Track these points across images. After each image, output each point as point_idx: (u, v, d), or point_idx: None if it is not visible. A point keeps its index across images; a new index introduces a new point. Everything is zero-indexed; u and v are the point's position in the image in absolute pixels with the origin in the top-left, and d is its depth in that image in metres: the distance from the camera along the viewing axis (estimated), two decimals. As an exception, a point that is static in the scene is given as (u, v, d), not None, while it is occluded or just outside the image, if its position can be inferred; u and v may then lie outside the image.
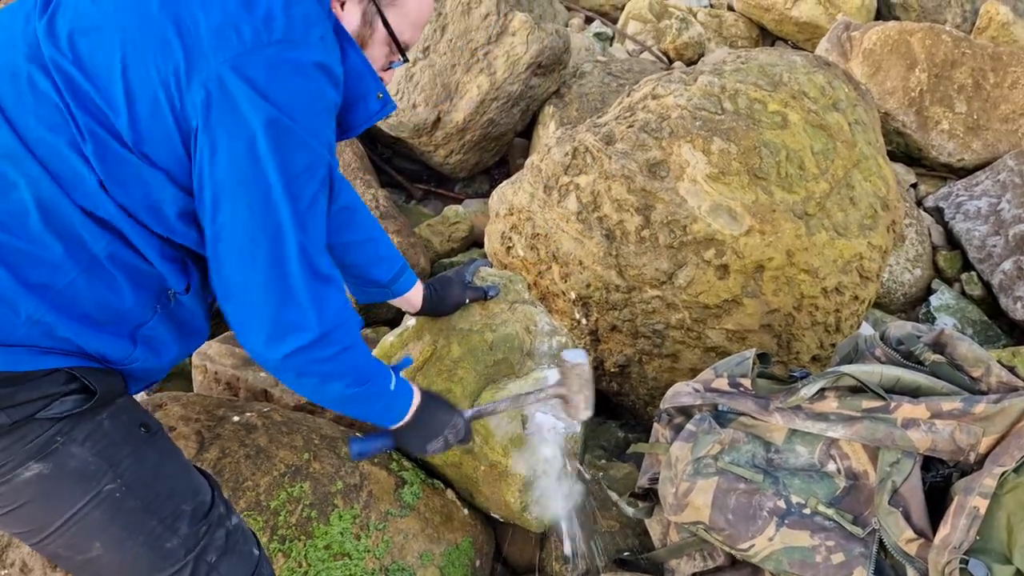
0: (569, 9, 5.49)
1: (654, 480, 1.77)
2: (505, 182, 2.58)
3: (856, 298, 2.32)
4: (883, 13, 5.47)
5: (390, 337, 2.04)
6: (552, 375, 1.84)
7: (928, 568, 1.42)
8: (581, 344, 2.41)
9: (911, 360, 1.67)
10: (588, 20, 5.53)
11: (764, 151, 2.19)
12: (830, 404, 1.58)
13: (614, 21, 5.54)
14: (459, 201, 3.85)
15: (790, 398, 1.61)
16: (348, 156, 3.43)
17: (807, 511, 1.53)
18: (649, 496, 1.85)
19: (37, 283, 1.09)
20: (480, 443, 1.81)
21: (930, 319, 3.32)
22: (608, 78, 3.83)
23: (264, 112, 1.05)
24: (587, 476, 1.89)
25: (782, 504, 1.54)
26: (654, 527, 1.85)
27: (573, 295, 2.33)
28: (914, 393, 1.57)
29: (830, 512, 1.52)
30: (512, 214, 2.46)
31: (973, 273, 3.52)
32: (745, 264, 2.15)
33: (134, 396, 1.33)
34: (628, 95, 2.52)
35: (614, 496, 1.95)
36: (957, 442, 1.49)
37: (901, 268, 3.42)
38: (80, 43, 1.08)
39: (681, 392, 1.76)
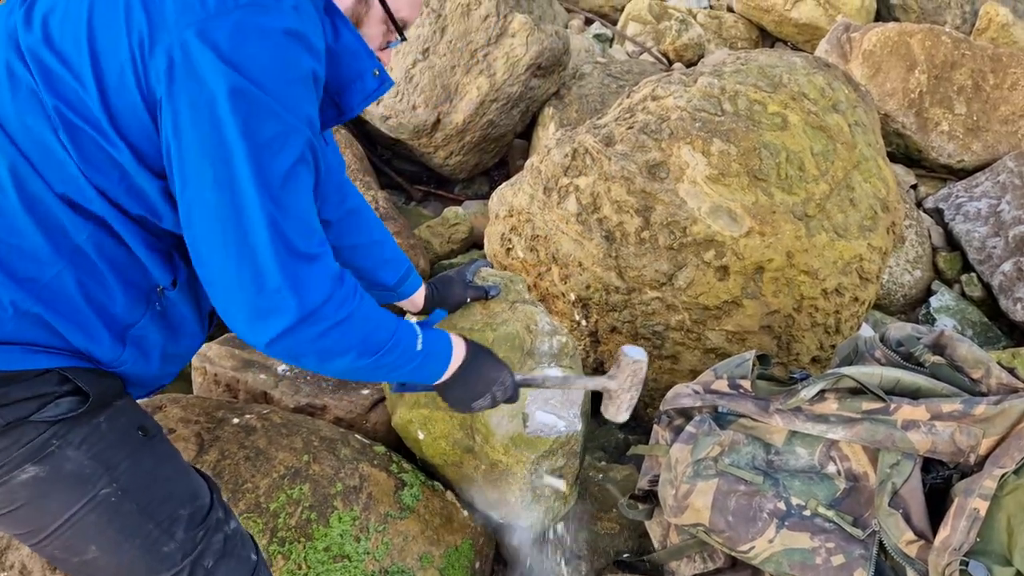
0: (569, 11, 5.49)
1: (654, 482, 1.76)
2: (505, 183, 2.58)
3: (856, 299, 2.32)
4: (883, 14, 5.48)
5: (390, 338, 2.04)
6: (552, 375, 1.84)
7: (928, 570, 1.42)
8: (580, 346, 2.41)
9: (911, 362, 1.67)
10: (588, 21, 5.53)
11: (764, 152, 2.19)
12: (830, 406, 1.58)
13: (614, 22, 5.54)
14: (459, 203, 3.85)
15: (790, 400, 1.60)
16: (348, 157, 3.43)
17: (807, 513, 1.53)
18: (649, 498, 1.85)
19: (24, 276, 1.08)
20: (481, 442, 1.80)
21: (930, 320, 3.32)
22: (608, 79, 3.83)
23: (227, 79, 0.99)
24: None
25: (782, 506, 1.54)
26: (654, 529, 1.84)
27: (573, 296, 2.33)
28: (914, 395, 1.57)
29: (830, 514, 1.52)
30: (512, 215, 2.46)
31: (973, 274, 3.52)
32: (745, 265, 2.15)
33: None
34: (628, 96, 2.52)
35: (615, 492, 1.95)
36: (957, 444, 1.49)
37: (901, 269, 3.42)
38: (51, 24, 1.06)
39: (681, 394, 1.76)
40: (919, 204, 3.97)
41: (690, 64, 5.07)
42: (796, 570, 1.50)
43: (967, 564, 1.38)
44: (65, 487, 1.14)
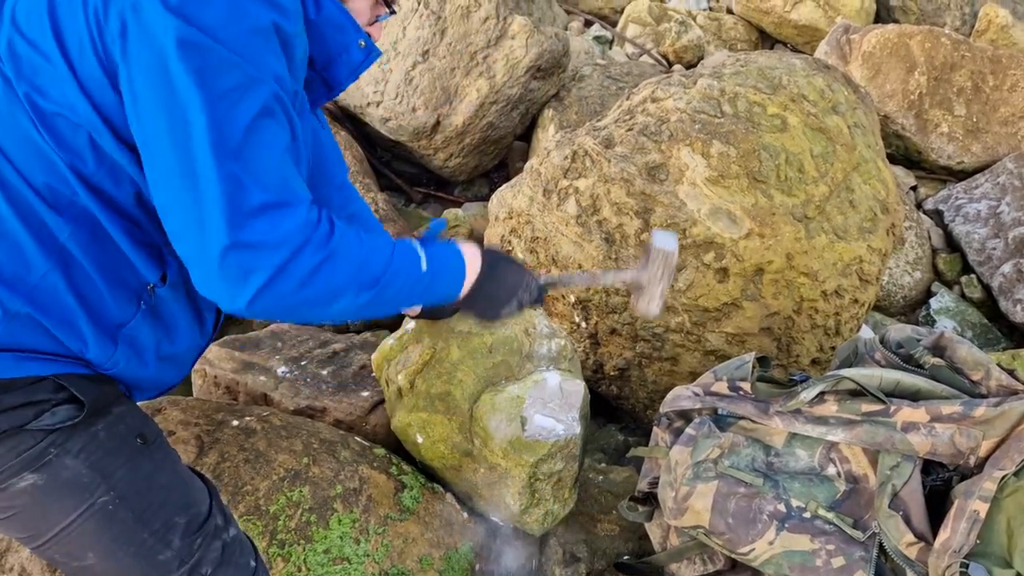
0: (568, 12, 5.50)
1: (654, 484, 1.76)
2: (504, 185, 2.58)
3: (856, 301, 2.32)
4: (882, 16, 5.48)
5: (389, 340, 2.04)
6: (552, 378, 1.84)
7: (928, 572, 1.42)
8: (580, 348, 2.41)
9: (911, 363, 1.67)
10: (587, 23, 5.54)
11: (763, 154, 2.19)
12: (830, 408, 1.58)
13: (613, 24, 5.55)
14: (458, 204, 3.85)
15: (790, 402, 1.60)
16: (347, 159, 3.43)
17: (807, 515, 1.53)
18: (649, 500, 1.85)
19: (13, 278, 1.07)
20: (479, 445, 1.80)
21: (930, 322, 3.32)
22: (607, 81, 3.83)
23: (176, 30, 0.95)
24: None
25: (782, 508, 1.54)
26: (654, 531, 1.84)
27: (572, 298, 2.33)
28: (914, 396, 1.57)
29: (830, 516, 1.52)
30: (511, 217, 2.46)
31: (973, 276, 3.52)
32: (744, 267, 2.15)
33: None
34: (627, 98, 2.52)
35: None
36: (957, 446, 1.49)
37: (901, 271, 3.42)
38: (18, 11, 1.05)
39: (681, 396, 1.76)
40: (919, 206, 3.97)
41: (690, 66, 5.07)
42: (796, 572, 1.50)
43: (967, 566, 1.38)
44: (63, 495, 1.13)
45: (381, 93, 3.63)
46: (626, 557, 1.97)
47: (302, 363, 2.26)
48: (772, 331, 2.24)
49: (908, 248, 3.48)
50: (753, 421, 1.64)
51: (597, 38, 5.38)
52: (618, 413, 2.65)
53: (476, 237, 1.38)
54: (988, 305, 3.43)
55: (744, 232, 2.14)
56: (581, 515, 2.04)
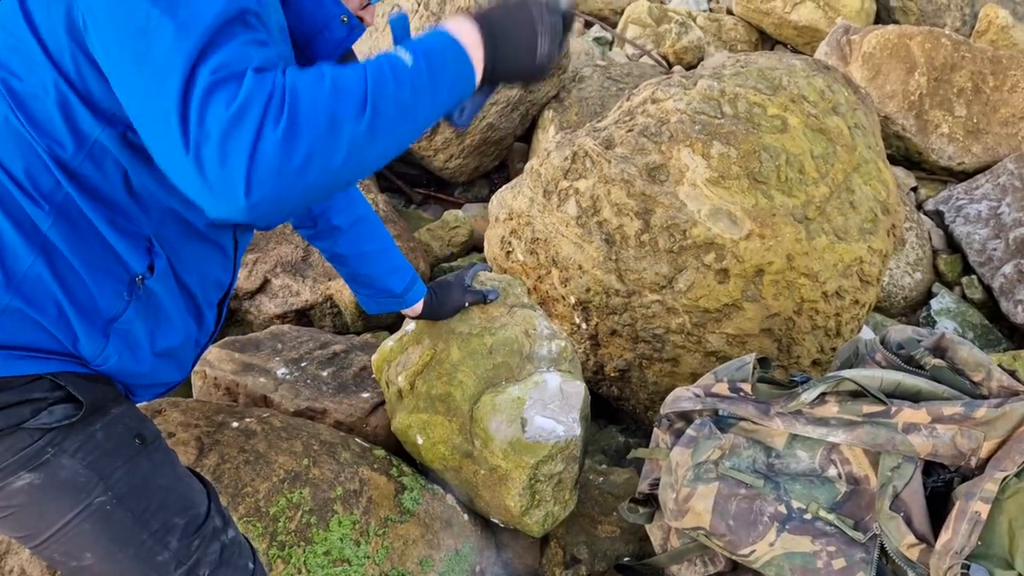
0: (568, 13, 5.49)
1: (654, 485, 1.76)
2: (504, 186, 2.58)
3: (856, 302, 2.31)
4: (882, 17, 5.48)
5: (389, 342, 2.04)
6: (552, 379, 1.84)
7: (930, 573, 1.42)
8: (581, 349, 2.41)
9: (912, 364, 1.67)
10: (587, 24, 5.54)
11: (764, 155, 2.19)
12: (831, 409, 1.58)
13: (613, 25, 5.55)
14: (459, 206, 3.85)
15: (791, 403, 1.60)
16: (348, 161, 3.42)
17: (808, 516, 1.53)
18: (649, 501, 1.85)
19: (1, 268, 1.06)
20: (480, 447, 1.80)
21: (930, 323, 3.32)
22: (607, 82, 3.83)
23: None
24: None
25: (783, 509, 1.53)
26: (655, 533, 1.84)
27: (573, 300, 2.33)
28: (915, 397, 1.57)
29: (831, 517, 1.51)
30: (512, 219, 2.46)
31: (974, 277, 3.52)
32: (745, 268, 2.15)
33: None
34: (627, 99, 2.52)
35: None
36: (958, 447, 1.49)
37: (901, 272, 3.42)
38: None
39: (681, 397, 1.76)
40: (919, 206, 3.97)
41: (690, 67, 5.07)
42: (797, 574, 1.50)
43: (968, 568, 1.38)
44: (60, 495, 1.13)
45: (381, 94, 3.63)
46: (627, 559, 1.97)
47: (302, 364, 2.26)
48: (773, 332, 2.24)
49: (909, 249, 3.48)
50: (754, 422, 1.64)
51: (597, 39, 5.38)
52: (619, 414, 2.64)
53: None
54: (989, 306, 3.43)
55: (744, 233, 2.13)
56: (582, 517, 2.04)
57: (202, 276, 1.30)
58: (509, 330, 1.90)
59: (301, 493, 1.71)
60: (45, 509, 1.13)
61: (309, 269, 2.85)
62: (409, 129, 0.97)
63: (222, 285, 1.38)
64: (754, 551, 1.53)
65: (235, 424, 1.82)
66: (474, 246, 3.49)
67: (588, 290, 2.27)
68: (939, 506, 1.50)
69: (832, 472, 1.57)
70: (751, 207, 2.15)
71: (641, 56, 5.07)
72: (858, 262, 2.26)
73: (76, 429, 1.14)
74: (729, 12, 5.71)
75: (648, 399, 2.41)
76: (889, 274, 3.39)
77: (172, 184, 0.94)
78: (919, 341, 1.72)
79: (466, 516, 1.91)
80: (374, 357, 2.06)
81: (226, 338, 2.34)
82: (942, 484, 1.55)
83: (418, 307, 1.85)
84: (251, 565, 1.32)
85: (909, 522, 1.47)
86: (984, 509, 1.39)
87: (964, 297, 3.49)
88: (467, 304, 1.94)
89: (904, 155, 4.13)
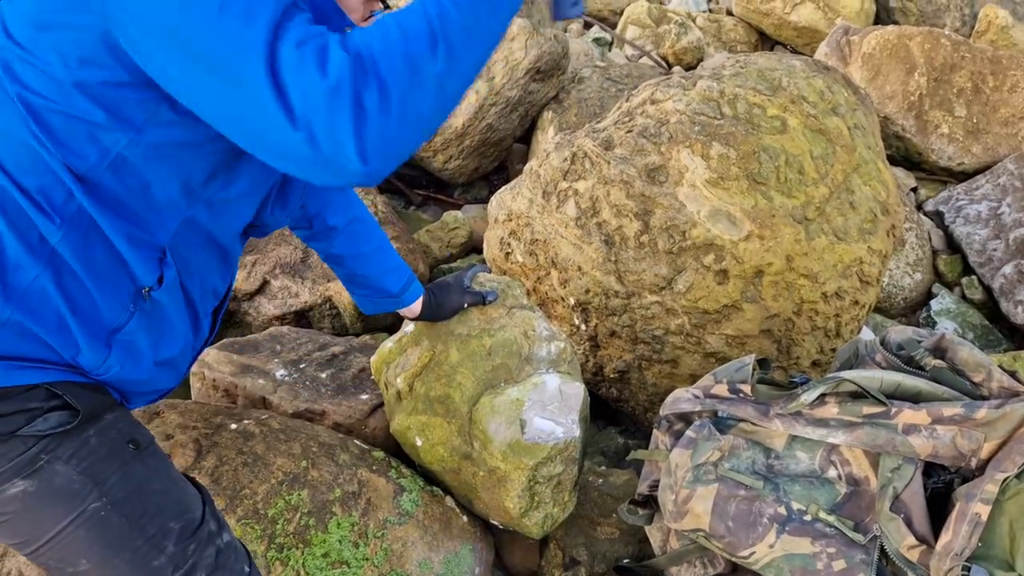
0: (568, 14, 5.48)
1: (654, 487, 1.76)
2: (504, 188, 2.58)
3: (856, 303, 2.31)
4: (882, 17, 5.48)
5: (388, 343, 2.03)
6: (551, 380, 1.84)
7: (930, 575, 1.41)
8: (580, 350, 2.41)
9: (912, 365, 1.66)
10: (587, 25, 5.54)
11: (763, 156, 2.18)
12: (831, 410, 1.57)
13: (613, 26, 5.55)
14: (458, 207, 3.85)
15: (790, 404, 1.60)
16: (347, 162, 3.42)
17: (808, 518, 1.52)
18: (649, 503, 1.84)
19: (2, 281, 1.05)
20: (479, 448, 1.80)
21: (930, 323, 3.32)
22: (607, 83, 3.83)
23: None
24: None
25: (783, 511, 1.53)
26: (654, 534, 1.84)
27: (572, 301, 2.33)
28: (915, 398, 1.57)
29: (831, 519, 1.51)
30: (511, 220, 2.46)
31: (974, 277, 3.52)
32: (744, 269, 2.15)
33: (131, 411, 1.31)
34: (627, 100, 2.51)
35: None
36: (959, 448, 1.48)
37: (901, 272, 3.42)
38: (4, 9, 1.03)
39: (681, 398, 1.75)
40: (919, 207, 3.96)
41: (689, 67, 5.07)
42: (797, 575, 1.50)
43: (969, 569, 1.37)
44: (54, 502, 1.12)
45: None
46: (626, 560, 1.96)
47: (301, 366, 2.25)
48: (772, 333, 2.23)
49: (908, 249, 3.48)
50: (753, 423, 1.64)
51: (596, 40, 5.38)
52: (618, 416, 2.64)
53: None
54: (989, 307, 3.43)
55: (744, 234, 2.13)
56: (581, 518, 2.04)
57: (203, 285, 1.31)
58: (508, 331, 1.90)
59: (300, 495, 1.71)
60: (40, 516, 1.13)
61: (308, 271, 2.85)
62: (484, 47, 0.97)
63: (218, 294, 1.38)
64: (754, 553, 1.53)
65: (233, 426, 1.82)
66: (473, 247, 3.49)
67: (587, 291, 2.27)
68: (939, 507, 1.50)
69: (832, 473, 1.57)
70: (751, 208, 2.15)
71: (640, 57, 5.07)
72: (858, 263, 2.26)
73: (70, 436, 1.14)
74: (729, 13, 5.71)
75: (647, 400, 2.40)
76: (889, 275, 3.38)
77: (197, 192, 1.03)
78: (919, 342, 1.72)
79: (465, 518, 1.91)
80: (373, 359, 2.06)
81: (225, 339, 2.34)
82: (942, 485, 1.55)
83: (417, 308, 1.85)
84: (247, 569, 1.32)
85: (909, 523, 1.47)
86: (984, 510, 1.39)
87: (964, 298, 3.48)
88: (466, 305, 1.93)
89: (904, 155, 4.13)
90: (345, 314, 2.82)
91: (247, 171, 1.22)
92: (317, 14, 1.11)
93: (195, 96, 0.94)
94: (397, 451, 2.00)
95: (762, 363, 1.82)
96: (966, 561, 1.38)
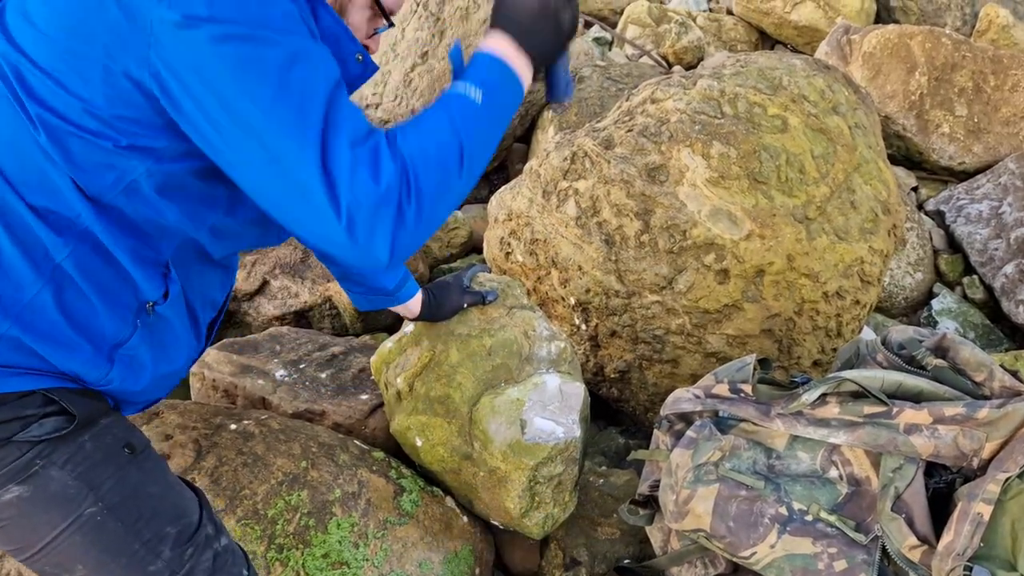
0: (568, 14, 5.48)
1: (655, 487, 1.75)
2: (504, 187, 2.57)
3: (857, 302, 2.30)
4: (882, 17, 5.47)
5: (388, 344, 2.03)
6: (551, 380, 1.83)
7: (932, 575, 1.41)
8: (581, 350, 2.40)
9: (913, 365, 1.66)
10: (587, 25, 5.53)
11: (764, 155, 2.18)
12: (832, 410, 1.57)
13: (613, 26, 5.54)
14: (458, 207, 3.84)
15: (791, 404, 1.59)
16: (347, 162, 3.42)
17: (809, 518, 1.52)
18: (650, 503, 1.84)
19: (1, 295, 1.05)
20: (479, 449, 1.79)
21: (932, 323, 3.31)
22: (607, 83, 3.82)
23: (216, 34, 0.93)
24: None
25: (784, 511, 1.53)
26: (655, 534, 1.83)
27: (572, 300, 2.32)
28: (916, 398, 1.56)
29: (832, 519, 1.50)
30: (511, 219, 2.45)
31: (975, 277, 3.51)
32: (745, 269, 2.14)
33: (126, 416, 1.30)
34: (627, 99, 2.51)
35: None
36: (960, 447, 1.48)
37: (902, 272, 3.41)
38: (25, 30, 1.02)
39: (681, 398, 1.75)
40: (920, 207, 3.95)
41: (690, 67, 5.06)
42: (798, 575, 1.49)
43: (971, 569, 1.37)
44: (50, 507, 1.12)
45: (380, 95, 3.62)
46: (627, 561, 1.96)
47: (301, 366, 2.25)
48: (773, 333, 2.23)
49: (909, 249, 3.47)
50: (754, 423, 1.63)
51: (597, 39, 5.37)
52: (619, 416, 2.64)
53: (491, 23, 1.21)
54: (990, 306, 3.42)
55: (745, 233, 2.13)
56: (581, 518, 2.03)
57: (204, 297, 1.31)
58: (508, 331, 1.89)
59: (299, 495, 1.70)
60: (35, 522, 1.12)
61: (308, 270, 2.85)
62: (489, 155, 1.14)
63: (216, 304, 1.38)
64: (755, 553, 1.52)
65: (233, 426, 1.82)
66: (473, 247, 3.48)
67: (588, 291, 2.27)
68: (941, 507, 1.49)
69: (833, 473, 1.56)
70: (751, 207, 2.14)
71: (641, 56, 5.06)
72: (859, 262, 2.25)
73: (65, 441, 1.13)
74: (729, 12, 5.70)
75: (648, 400, 2.40)
76: (890, 274, 3.38)
77: (202, 218, 1.09)
78: (920, 341, 1.72)
79: (465, 518, 1.90)
80: (373, 359, 2.06)
81: (224, 340, 2.34)
82: (944, 485, 1.54)
83: (416, 308, 1.85)
84: (245, 572, 1.32)
85: (911, 523, 1.46)
86: (986, 510, 1.38)
87: (965, 297, 3.48)
88: (466, 305, 1.93)
89: (905, 155, 4.12)
90: (345, 314, 2.82)
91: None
92: (331, 42, 1.14)
93: (235, 167, 1.00)
94: (397, 451, 2.00)
95: (763, 363, 1.82)
96: (968, 561, 1.37)
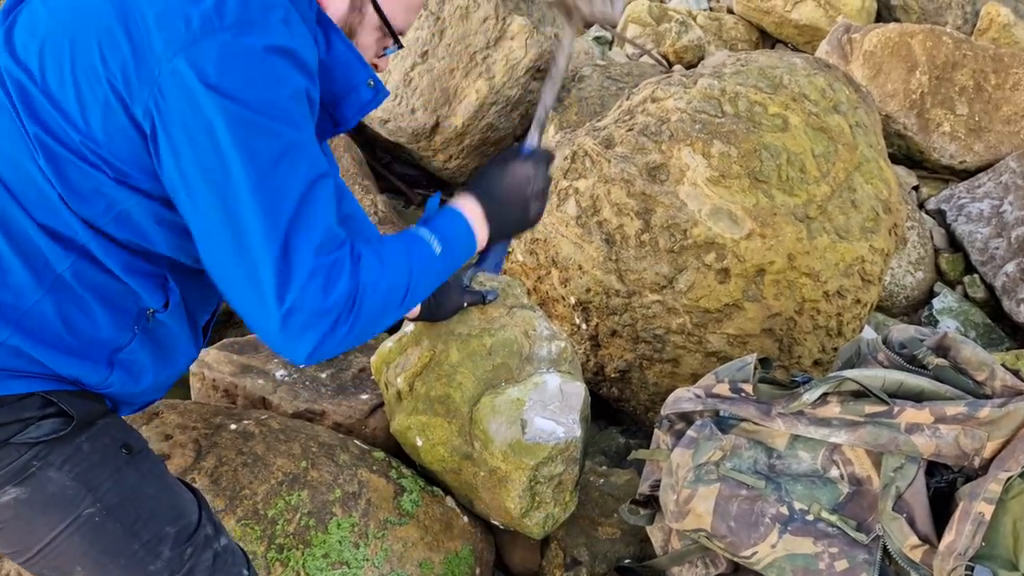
0: (568, 13, 5.48)
1: (655, 487, 1.75)
2: (504, 187, 2.57)
3: (858, 302, 2.30)
4: (883, 15, 5.46)
5: (388, 343, 2.03)
6: (552, 380, 1.83)
7: (933, 575, 1.41)
8: (581, 350, 2.40)
9: (914, 364, 1.66)
10: (587, 24, 5.53)
11: (765, 154, 2.18)
12: (833, 409, 1.57)
13: (613, 25, 5.53)
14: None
15: (792, 403, 1.59)
16: (347, 162, 3.42)
17: (810, 517, 1.51)
18: (650, 503, 1.83)
19: (1, 303, 1.06)
20: (479, 448, 1.79)
21: (933, 322, 3.31)
22: (607, 82, 3.82)
23: (219, 106, 0.95)
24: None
25: (784, 511, 1.52)
26: (655, 534, 1.83)
27: (573, 300, 2.32)
28: (918, 397, 1.56)
29: (833, 518, 1.50)
30: (511, 219, 2.45)
31: (976, 276, 3.51)
32: (746, 268, 2.14)
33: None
34: (627, 98, 2.51)
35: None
36: (962, 447, 1.48)
37: (903, 271, 3.41)
38: (32, 50, 1.04)
39: (682, 398, 1.74)
40: (921, 205, 3.95)
41: (690, 66, 5.06)
42: (799, 575, 1.49)
43: (972, 569, 1.37)
44: (48, 509, 1.12)
45: (380, 95, 3.62)
46: (627, 560, 1.96)
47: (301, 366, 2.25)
48: (774, 332, 2.23)
49: (910, 248, 3.47)
50: (755, 423, 1.63)
51: (597, 39, 5.37)
52: (619, 415, 2.63)
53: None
54: (991, 305, 3.42)
55: (745, 232, 2.12)
56: (582, 518, 2.03)
57: (202, 303, 1.33)
58: (508, 331, 1.89)
59: (299, 495, 1.70)
60: (33, 524, 1.12)
61: (308, 270, 2.84)
62: (428, 294, 1.28)
63: (211, 305, 1.39)
64: (756, 553, 1.52)
65: (233, 426, 1.81)
66: (474, 247, 3.48)
67: (588, 290, 2.26)
68: (942, 507, 1.49)
69: (834, 473, 1.56)
70: (752, 206, 2.14)
71: (641, 55, 5.06)
72: (860, 261, 2.25)
73: (62, 442, 1.13)
74: (729, 11, 5.69)
75: (649, 400, 2.40)
76: (891, 273, 3.38)
77: (188, 249, 1.11)
78: (921, 340, 1.71)
79: (466, 518, 1.90)
80: (373, 358, 2.05)
81: (224, 340, 2.34)
82: (945, 485, 1.54)
83: (416, 308, 1.84)
84: (245, 572, 1.31)
85: (912, 523, 1.46)
86: (988, 510, 1.38)
87: (966, 296, 3.48)
88: (466, 305, 1.93)
89: (905, 154, 4.12)
90: (345, 314, 2.81)
91: None
92: (343, 68, 1.17)
93: (196, 228, 1.03)
94: (397, 451, 2.00)
95: (764, 362, 1.82)
96: (969, 561, 1.37)
